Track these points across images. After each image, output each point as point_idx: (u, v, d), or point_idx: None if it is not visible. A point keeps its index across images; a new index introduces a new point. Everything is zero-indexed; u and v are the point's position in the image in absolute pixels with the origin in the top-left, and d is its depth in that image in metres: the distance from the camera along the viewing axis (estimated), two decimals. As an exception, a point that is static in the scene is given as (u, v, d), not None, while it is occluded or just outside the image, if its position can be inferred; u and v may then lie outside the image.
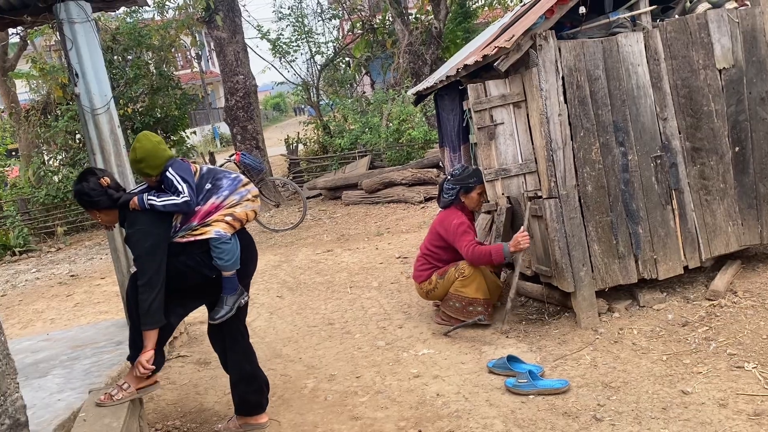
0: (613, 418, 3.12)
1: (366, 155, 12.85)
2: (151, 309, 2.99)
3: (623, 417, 3.11)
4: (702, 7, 4.47)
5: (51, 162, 14.40)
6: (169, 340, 3.99)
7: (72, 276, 9.00)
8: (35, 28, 8.46)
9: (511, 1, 16.50)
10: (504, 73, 4.27)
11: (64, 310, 6.99)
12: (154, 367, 3.09)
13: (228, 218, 3.16)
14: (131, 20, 13.39)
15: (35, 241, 12.26)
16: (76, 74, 4.41)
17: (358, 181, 11.21)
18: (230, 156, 9.29)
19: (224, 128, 27.10)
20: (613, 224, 4.25)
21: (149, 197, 3.05)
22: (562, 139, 4.12)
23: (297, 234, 9.30)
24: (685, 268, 4.41)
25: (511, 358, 3.78)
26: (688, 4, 4.58)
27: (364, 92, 20.74)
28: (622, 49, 4.21)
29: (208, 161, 16.98)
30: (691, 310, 4.19)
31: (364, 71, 20.46)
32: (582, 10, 4.16)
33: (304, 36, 18.24)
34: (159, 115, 13.41)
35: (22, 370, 3.91)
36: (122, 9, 6.04)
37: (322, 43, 19.09)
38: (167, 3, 13.69)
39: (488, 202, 4.82)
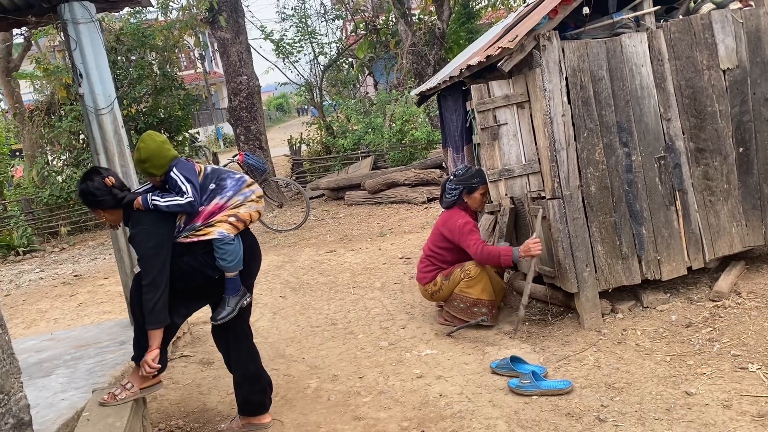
0: (617, 418, 3.11)
1: (369, 156, 12.85)
2: (156, 309, 2.99)
3: (627, 418, 3.11)
4: (706, 7, 4.46)
5: (55, 162, 14.45)
6: (173, 339, 4.00)
7: (75, 276, 9.02)
8: (39, 28, 8.47)
9: (515, 2, 16.49)
10: (507, 74, 4.27)
11: (67, 310, 7.01)
12: (160, 365, 3.10)
13: (231, 219, 3.16)
14: (135, 21, 13.42)
15: (39, 241, 12.30)
16: (80, 74, 4.42)
17: (361, 182, 11.21)
18: (233, 156, 9.31)
19: (227, 129, 27.16)
20: (616, 225, 4.24)
21: (153, 197, 3.06)
22: (566, 140, 4.12)
23: (300, 234, 9.31)
24: (689, 269, 4.40)
25: (515, 359, 3.78)
26: (692, 4, 4.57)
27: (367, 93, 20.74)
28: (625, 50, 4.21)
29: (211, 161, 17.00)
30: (695, 311, 4.18)
31: (367, 72, 20.46)
32: (585, 10, 4.15)
33: (307, 37, 18.25)
34: (162, 116, 13.44)
35: (26, 370, 3.91)
36: (126, 9, 6.07)
37: (326, 43, 19.10)
38: (171, 3, 13.73)
39: (491, 202, 4.81)
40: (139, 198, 3.07)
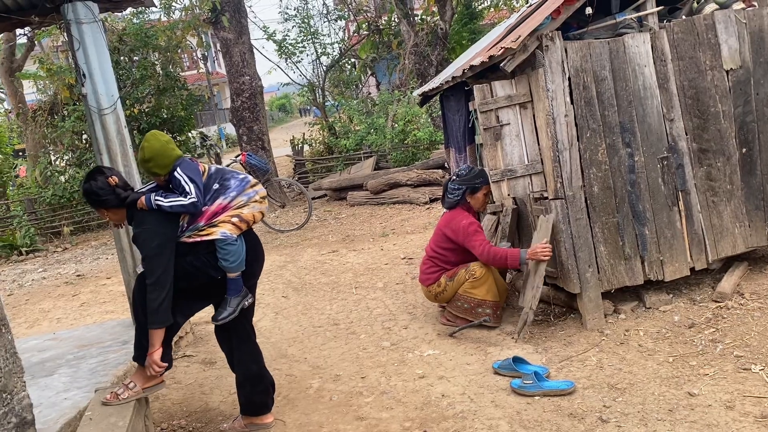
0: (619, 419, 3.11)
1: (371, 156, 12.85)
2: (161, 308, 2.99)
3: (629, 418, 3.10)
4: (709, 7, 4.45)
5: (58, 162, 14.47)
6: (174, 339, 4.00)
7: (78, 276, 9.04)
8: (43, 28, 8.50)
9: (517, 2, 16.48)
10: (510, 74, 4.26)
11: (70, 310, 7.02)
12: (166, 364, 3.11)
13: (234, 219, 3.16)
14: (138, 21, 13.45)
15: (42, 241, 12.32)
16: (83, 74, 4.43)
17: (364, 182, 11.21)
18: (236, 156, 9.32)
19: (230, 129, 27.17)
20: (619, 225, 4.24)
21: (156, 197, 3.06)
22: (569, 140, 4.11)
23: (302, 234, 9.31)
24: (692, 269, 4.40)
25: (517, 359, 3.77)
26: (695, 4, 4.57)
27: (370, 93, 20.74)
28: (628, 50, 4.20)
29: (214, 161, 17.02)
30: (698, 312, 4.18)
31: (369, 72, 20.47)
32: (588, 10, 4.15)
33: (309, 37, 18.27)
34: (165, 116, 13.46)
35: (29, 369, 3.92)
36: (129, 10, 6.07)
37: (328, 44, 19.13)
38: (174, 4, 13.74)
39: (493, 203, 4.81)
40: (143, 198, 3.08)
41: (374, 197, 10.86)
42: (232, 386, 3.58)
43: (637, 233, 4.26)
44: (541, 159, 4.32)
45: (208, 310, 3.47)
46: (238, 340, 3.41)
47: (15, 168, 17.31)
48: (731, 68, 4.37)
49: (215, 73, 33.96)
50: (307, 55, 18.88)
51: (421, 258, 4.93)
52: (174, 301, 3.07)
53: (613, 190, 4.22)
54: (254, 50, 12.74)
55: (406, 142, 12.90)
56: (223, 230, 3.12)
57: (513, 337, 4.30)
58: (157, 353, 3.05)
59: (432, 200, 10.04)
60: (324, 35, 19.02)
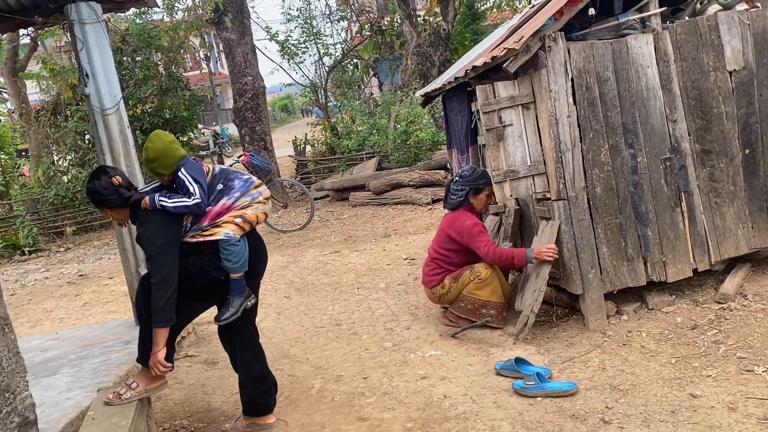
0: (622, 421, 3.11)
1: (373, 157, 12.85)
2: (166, 307, 2.99)
3: (631, 420, 3.10)
4: (712, 8, 4.44)
5: (60, 162, 14.50)
6: (177, 339, 4.00)
7: (81, 276, 9.05)
8: (46, 29, 8.51)
9: (520, 3, 16.48)
10: (513, 75, 4.26)
11: (72, 310, 7.03)
12: (171, 364, 3.11)
13: (238, 220, 3.16)
14: (141, 21, 13.47)
15: (44, 241, 12.33)
16: (86, 75, 4.44)
17: (366, 183, 11.21)
18: (238, 157, 9.32)
19: (233, 129, 27.19)
20: (622, 226, 4.23)
21: (160, 198, 3.06)
22: (571, 141, 4.11)
23: (304, 235, 9.32)
24: (695, 270, 4.39)
25: (519, 360, 3.77)
26: (698, 5, 4.56)
27: (372, 94, 20.76)
28: (631, 51, 4.20)
29: (216, 161, 17.04)
30: (701, 313, 4.17)
31: (372, 73, 20.47)
32: (591, 11, 4.15)
33: (312, 38, 18.29)
34: (168, 116, 13.48)
35: (32, 369, 3.93)
36: (132, 10, 6.08)
37: (331, 44, 19.15)
38: (176, 4, 13.76)
39: (496, 203, 4.81)
40: (147, 198, 3.08)
41: (376, 198, 10.86)
42: (234, 386, 3.59)
43: (639, 234, 4.26)
44: (544, 160, 4.32)
45: (212, 310, 3.47)
46: (241, 341, 3.41)
47: (19, 168, 17.34)
48: (734, 69, 4.37)
49: (218, 74, 34.01)
50: (310, 55, 18.88)
51: (424, 259, 4.92)
52: (177, 302, 3.07)
53: (615, 191, 4.22)
54: (257, 51, 12.76)
55: (408, 142, 12.90)
56: (226, 231, 3.13)
57: (513, 340, 4.30)
58: (161, 353, 3.05)
59: (434, 201, 10.04)
60: (326, 36, 19.07)
